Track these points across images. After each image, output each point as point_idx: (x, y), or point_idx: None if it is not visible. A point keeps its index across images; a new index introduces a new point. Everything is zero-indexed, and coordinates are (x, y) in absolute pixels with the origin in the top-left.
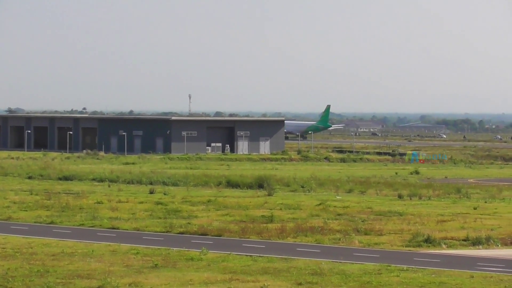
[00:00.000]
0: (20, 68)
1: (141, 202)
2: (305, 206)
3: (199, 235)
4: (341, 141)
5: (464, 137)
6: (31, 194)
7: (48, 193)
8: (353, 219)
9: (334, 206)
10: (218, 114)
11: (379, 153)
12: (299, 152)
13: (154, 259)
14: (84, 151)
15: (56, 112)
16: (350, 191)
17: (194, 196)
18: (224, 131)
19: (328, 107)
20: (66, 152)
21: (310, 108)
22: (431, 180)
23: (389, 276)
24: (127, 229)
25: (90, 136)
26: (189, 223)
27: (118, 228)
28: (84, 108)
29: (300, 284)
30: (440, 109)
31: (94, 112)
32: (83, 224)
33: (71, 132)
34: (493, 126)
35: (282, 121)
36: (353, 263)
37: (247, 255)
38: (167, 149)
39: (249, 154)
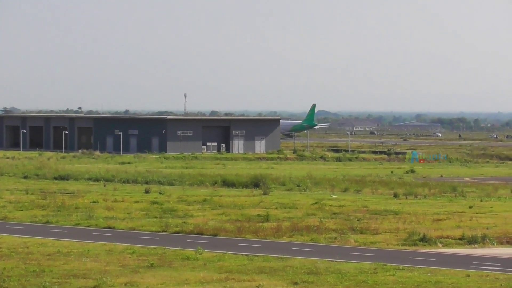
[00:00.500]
0: (16, 67)
1: (137, 202)
2: (301, 205)
3: (195, 234)
4: (336, 140)
5: (460, 135)
6: (27, 193)
7: (44, 193)
8: (349, 218)
9: (330, 205)
10: (213, 113)
11: (374, 152)
12: (294, 151)
13: (149, 258)
14: (80, 150)
15: (51, 111)
16: (345, 190)
17: (189, 195)
18: (219, 130)
19: (314, 106)
20: (62, 152)
21: (305, 107)
22: (426, 179)
23: (385, 275)
24: (123, 229)
25: (86, 136)
26: (184, 223)
27: (113, 228)
28: (80, 108)
29: (296, 283)
30: (436, 108)
31: (90, 112)
32: (78, 224)
33: (66, 132)
34: (489, 125)
35: (278, 120)
36: (349, 262)
37: (243, 255)
38: (162, 149)
39: (245, 153)
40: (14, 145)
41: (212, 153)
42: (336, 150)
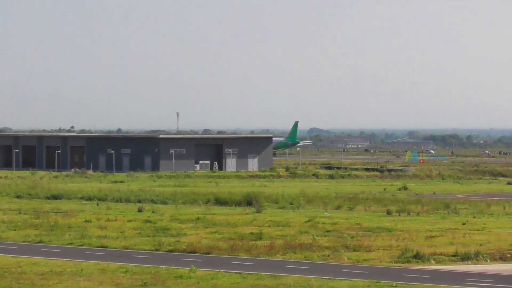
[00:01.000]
0: (8, 87)
1: (130, 220)
2: (294, 223)
3: (188, 253)
4: (329, 158)
5: (452, 152)
6: (20, 213)
7: (37, 212)
8: (342, 235)
9: (323, 223)
10: (206, 131)
11: (367, 169)
12: (287, 169)
13: (143, 277)
14: (73, 169)
15: (44, 131)
16: (338, 207)
17: (182, 214)
18: (212, 148)
19: (296, 123)
20: (55, 171)
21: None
22: (419, 195)
23: None
24: (116, 248)
25: (78, 155)
26: (178, 241)
27: (107, 247)
28: (72, 127)
29: None
30: (428, 125)
31: (82, 131)
32: (72, 243)
33: (59, 151)
34: (481, 141)
35: (270, 138)
36: (342, 280)
37: (236, 273)
38: (155, 167)
39: (237, 171)
40: (7, 164)
41: (204, 171)
42: (329, 168)
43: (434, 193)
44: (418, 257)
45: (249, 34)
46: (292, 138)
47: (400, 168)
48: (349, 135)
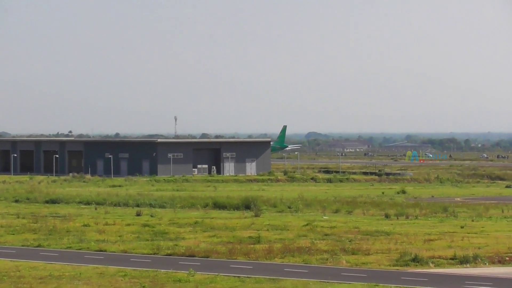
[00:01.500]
0: (5, 92)
1: (128, 225)
2: (292, 226)
3: (187, 256)
4: (327, 162)
5: (450, 156)
6: (18, 217)
7: (35, 217)
8: (340, 239)
9: (321, 226)
10: (204, 136)
11: (365, 173)
12: (285, 173)
13: (141, 281)
14: (71, 174)
15: (42, 135)
16: (337, 211)
17: (181, 218)
18: (210, 152)
19: (285, 127)
20: (53, 175)
21: (295, 129)
22: (417, 199)
23: None
24: (115, 252)
25: (76, 159)
26: (176, 245)
27: (105, 251)
28: (70, 131)
29: None
30: (426, 129)
31: (80, 135)
32: (70, 247)
33: (57, 156)
34: (479, 145)
35: (268, 142)
36: (341, 283)
37: (234, 276)
38: (153, 171)
39: (236, 175)
40: (5, 169)
41: (203, 175)
42: (327, 172)
43: (433, 196)
44: (416, 260)
45: (247, 38)
46: (281, 142)
47: (398, 171)
48: (347, 139)
